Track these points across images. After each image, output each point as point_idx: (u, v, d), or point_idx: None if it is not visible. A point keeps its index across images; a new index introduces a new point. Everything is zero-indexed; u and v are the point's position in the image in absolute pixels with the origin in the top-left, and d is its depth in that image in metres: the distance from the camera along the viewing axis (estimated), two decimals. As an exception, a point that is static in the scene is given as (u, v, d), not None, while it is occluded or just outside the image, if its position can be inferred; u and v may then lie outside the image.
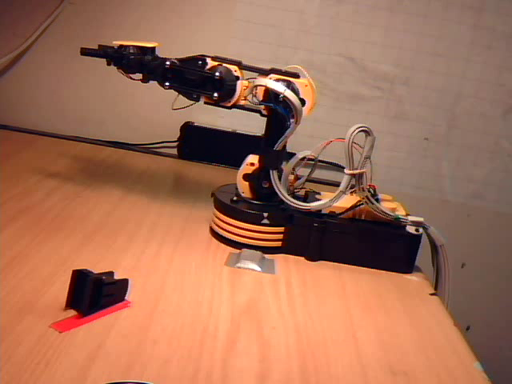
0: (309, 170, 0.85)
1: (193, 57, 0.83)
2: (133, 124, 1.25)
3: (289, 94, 0.78)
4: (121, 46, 0.83)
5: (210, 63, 0.82)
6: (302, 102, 0.80)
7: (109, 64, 0.85)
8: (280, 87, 0.78)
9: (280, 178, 0.82)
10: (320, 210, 0.82)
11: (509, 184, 1.27)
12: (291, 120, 0.78)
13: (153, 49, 0.84)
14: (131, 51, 0.83)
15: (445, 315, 0.74)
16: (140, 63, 0.83)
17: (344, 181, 0.79)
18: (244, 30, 1.20)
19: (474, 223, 1.29)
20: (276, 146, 0.80)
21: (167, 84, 0.82)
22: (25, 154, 1.08)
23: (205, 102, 0.83)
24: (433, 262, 0.84)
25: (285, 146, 0.82)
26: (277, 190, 0.81)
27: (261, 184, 0.83)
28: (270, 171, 0.81)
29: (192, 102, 0.83)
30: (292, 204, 0.81)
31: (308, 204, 0.81)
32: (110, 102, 1.24)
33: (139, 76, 0.85)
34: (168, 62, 0.82)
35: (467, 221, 1.29)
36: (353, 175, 0.79)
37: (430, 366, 0.62)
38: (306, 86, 0.81)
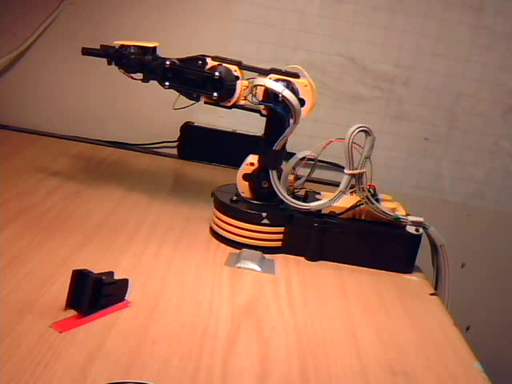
0: (309, 170, 0.85)
1: (193, 57, 0.83)
2: (133, 124, 1.25)
3: (287, 93, 0.77)
4: (122, 46, 0.84)
5: (210, 63, 0.82)
6: (302, 102, 0.80)
7: (109, 64, 0.85)
8: (279, 87, 0.78)
9: (280, 178, 0.82)
10: (320, 210, 0.82)
11: (509, 184, 1.27)
12: (290, 120, 0.78)
13: (154, 49, 0.84)
14: (132, 51, 0.83)
15: (445, 315, 0.74)
16: (140, 63, 0.83)
17: (344, 181, 0.79)
18: (244, 30, 1.20)
19: (474, 223, 1.29)
20: (275, 145, 0.80)
21: (167, 84, 0.83)
22: (25, 154, 1.08)
23: (205, 102, 0.83)
24: (433, 262, 0.84)
25: (284, 146, 0.82)
26: (276, 190, 0.81)
27: (260, 184, 0.83)
28: (270, 171, 0.81)
29: (193, 101, 0.83)
30: (292, 204, 0.81)
31: (308, 204, 0.81)
32: (110, 102, 1.24)
33: (140, 76, 0.85)
34: (168, 62, 0.82)
35: (467, 221, 1.29)
36: (353, 175, 0.79)
37: (430, 366, 0.62)
38: (306, 86, 0.81)
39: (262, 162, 0.83)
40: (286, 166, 0.82)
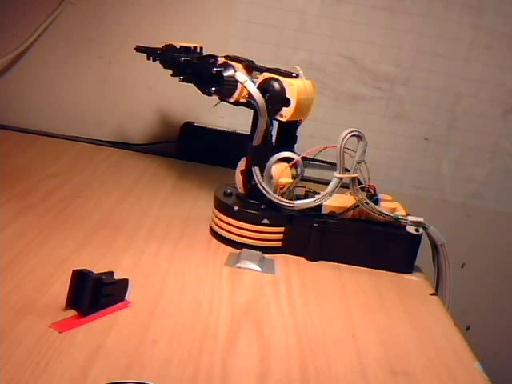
0: (312, 171, 0.85)
1: (208, 55, 0.86)
2: (133, 124, 1.25)
3: (249, 84, 0.77)
4: (167, 45, 0.93)
5: (220, 61, 0.84)
6: (287, 101, 0.79)
7: (148, 59, 0.94)
8: (241, 77, 0.78)
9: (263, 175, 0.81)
10: (320, 209, 0.81)
11: (509, 184, 1.27)
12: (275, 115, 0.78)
13: (192, 48, 0.93)
14: (171, 48, 0.92)
15: (445, 315, 0.74)
16: (171, 59, 0.89)
17: (332, 183, 0.79)
18: (244, 29, 1.20)
19: (474, 223, 1.29)
20: (254, 141, 0.80)
21: (181, 77, 0.86)
22: (25, 154, 1.08)
23: (219, 98, 0.85)
24: (433, 262, 0.84)
25: (265, 142, 0.81)
26: (259, 186, 0.80)
27: (249, 180, 0.83)
28: (252, 167, 0.80)
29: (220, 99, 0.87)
30: (276, 200, 0.80)
31: (291, 202, 0.81)
32: (110, 102, 1.24)
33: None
34: (182, 58, 0.85)
35: (467, 221, 1.29)
36: (341, 179, 0.78)
37: (430, 366, 0.62)
38: (292, 85, 0.78)
39: (248, 158, 0.83)
40: (268, 164, 0.81)
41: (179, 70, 0.88)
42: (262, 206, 0.82)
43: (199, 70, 0.85)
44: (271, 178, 0.81)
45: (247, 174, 0.83)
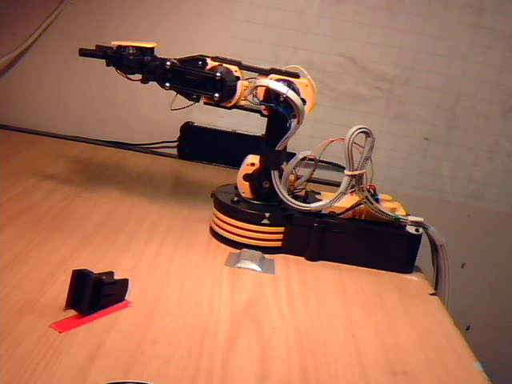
0: (309, 170, 0.85)
1: (193, 57, 0.83)
2: (133, 124, 1.25)
3: (291, 94, 0.77)
4: (119, 47, 0.82)
5: (211, 63, 0.82)
6: (303, 101, 0.79)
7: (108, 65, 0.83)
8: (282, 88, 0.78)
9: (281, 178, 0.82)
10: (320, 210, 0.82)
11: (509, 184, 1.27)
12: (293, 120, 0.78)
13: (152, 49, 0.83)
14: (130, 52, 0.82)
15: (445, 315, 0.74)
16: (140, 64, 0.82)
17: (344, 182, 0.79)
18: (244, 30, 1.20)
19: (474, 223, 1.29)
20: (278, 146, 0.80)
21: (168, 85, 0.82)
22: (25, 154, 1.08)
23: (205, 103, 0.83)
24: (433, 262, 0.84)
25: (285, 146, 0.82)
26: (277, 191, 0.81)
27: (261, 184, 0.83)
28: (271, 171, 0.81)
29: (192, 102, 0.83)
30: (292, 204, 0.81)
31: (308, 204, 0.81)
32: (110, 102, 1.24)
33: (138, 77, 0.84)
34: (168, 63, 0.82)
35: (467, 221, 1.29)
36: (353, 176, 0.78)
37: (430, 366, 0.62)
38: (307, 86, 0.80)
39: (263, 162, 0.83)
40: (287, 167, 0.82)
41: (153, 76, 0.82)
42: (282, 206, 0.82)
43: (186, 74, 0.81)
44: (287, 180, 0.82)
45: (254, 178, 0.83)
